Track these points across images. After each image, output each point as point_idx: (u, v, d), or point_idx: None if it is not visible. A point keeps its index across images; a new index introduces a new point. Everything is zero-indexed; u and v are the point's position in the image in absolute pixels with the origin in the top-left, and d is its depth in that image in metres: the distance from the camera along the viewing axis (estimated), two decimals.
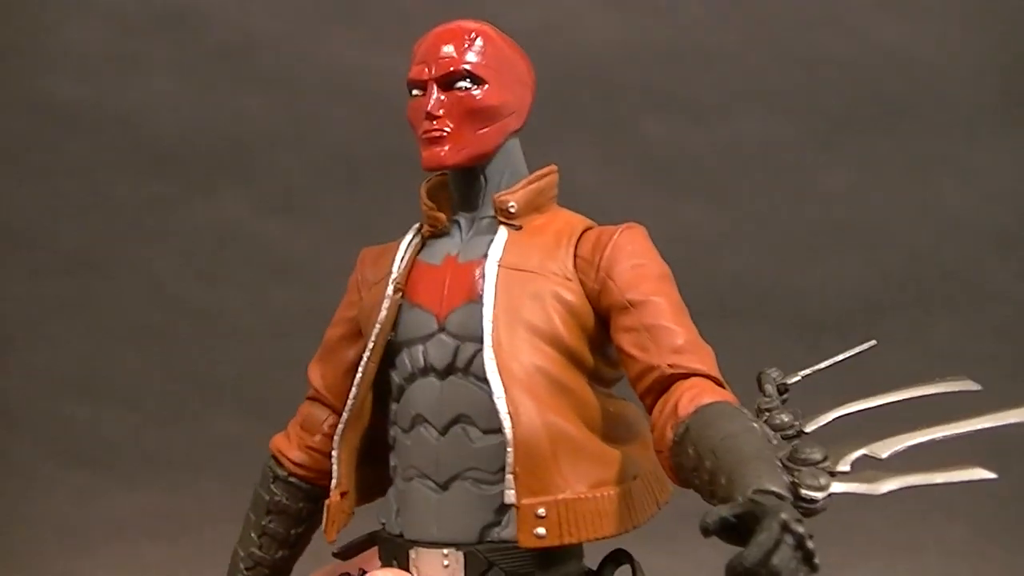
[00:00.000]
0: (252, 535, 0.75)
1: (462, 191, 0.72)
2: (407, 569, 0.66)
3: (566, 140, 2.01)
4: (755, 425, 0.61)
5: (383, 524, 0.70)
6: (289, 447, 0.76)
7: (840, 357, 0.74)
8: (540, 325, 0.66)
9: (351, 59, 2.02)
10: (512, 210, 0.71)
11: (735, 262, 2.02)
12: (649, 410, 0.68)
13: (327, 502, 0.69)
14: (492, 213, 0.71)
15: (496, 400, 0.63)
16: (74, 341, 2.02)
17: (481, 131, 0.71)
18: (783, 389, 0.71)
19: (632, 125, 2.09)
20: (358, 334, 0.74)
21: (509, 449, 0.62)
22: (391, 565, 0.67)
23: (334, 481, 0.69)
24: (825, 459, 0.62)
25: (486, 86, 0.72)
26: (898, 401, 0.71)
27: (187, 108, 2.06)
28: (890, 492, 0.64)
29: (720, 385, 0.67)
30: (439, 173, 0.74)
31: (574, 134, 2.00)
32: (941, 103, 2.11)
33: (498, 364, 0.63)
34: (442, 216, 0.72)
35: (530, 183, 0.73)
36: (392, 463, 0.70)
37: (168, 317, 1.99)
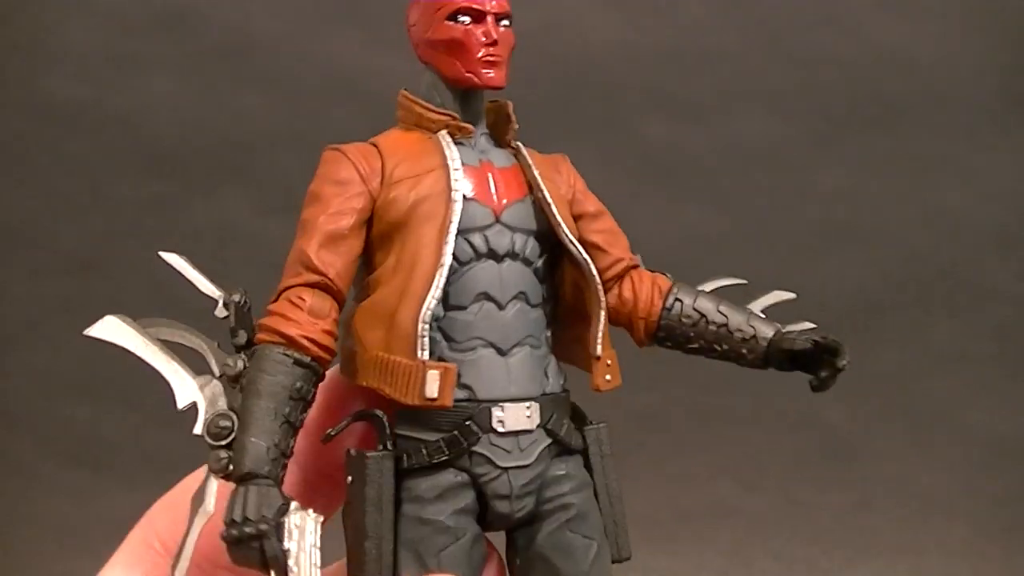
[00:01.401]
0: (271, 423, 0.71)
1: (474, 110, 0.84)
2: (490, 425, 0.74)
3: (566, 140, 2.01)
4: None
5: (431, 400, 0.73)
6: (309, 330, 0.75)
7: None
8: (567, 210, 0.83)
9: (351, 59, 2.02)
10: (516, 130, 0.85)
11: (735, 262, 2.02)
12: (618, 290, 0.86)
13: (442, 370, 0.73)
14: (486, 131, 0.84)
15: (591, 273, 0.79)
16: (74, 341, 2.01)
17: (507, 65, 0.84)
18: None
19: (632, 125, 2.09)
20: (364, 224, 0.79)
21: (601, 312, 0.79)
22: (465, 427, 0.74)
23: (428, 352, 0.74)
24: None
25: (512, 29, 0.85)
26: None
27: (187, 108, 2.06)
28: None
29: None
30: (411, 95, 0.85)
31: (574, 134, 2.00)
32: (941, 103, 2.11)
33: (579, 244, 0.80)
34: (469, 127, 0.82)
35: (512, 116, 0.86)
36: (436, 338, 0.76)
37: (168, 317, 1.99)
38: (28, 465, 2.01)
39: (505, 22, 0.83)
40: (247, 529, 0.67)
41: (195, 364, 0.78)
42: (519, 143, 0.84)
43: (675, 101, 2.09)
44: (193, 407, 0.75)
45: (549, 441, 0.77)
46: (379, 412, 0.76)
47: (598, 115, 2.06)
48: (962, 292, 2.08)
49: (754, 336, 0.84)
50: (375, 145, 0.82)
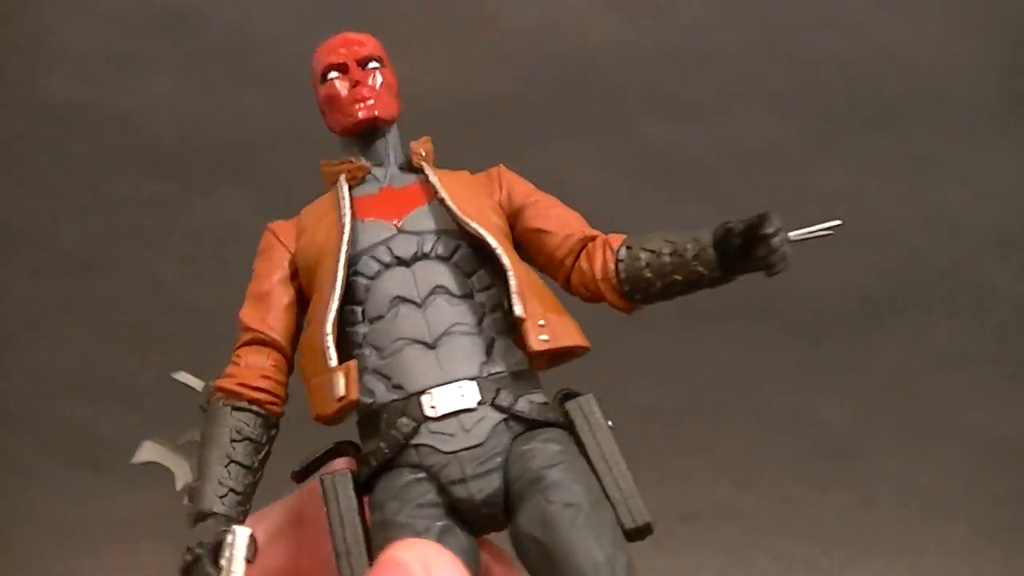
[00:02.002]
0: (218, 468, 0.78)
1: (374, 150, 0.90)
2: (423, 414, 0.74)
3: (566, 140, 2.01)
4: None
5: (369, 403, 0.77)
6: (242, 377, 0.82)
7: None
8: (481, 213, 0.84)
9: None
10: (423, 155, 0.90)
11: None
12: (569, 269, 0.86)
13: (344, 370, 0.76)
14: (401, 164, 0.90)
15: (500, 253, 0.80)
16: (74, 341, 2.02)
17: (391, 99, 0.92)
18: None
19: (632, 125, 2.09)
20: (289, 279, 0.86)
21: (510, 273, 0.79)
22: (398, 423, 0.74)
23: (335, 359, 0.77)
24: None
25: (386, 68, 0.93)
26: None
27: (187, 108, 2.06)
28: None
29: None
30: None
31: (574, 134, 2.00)
32: (941, 103, 2.11)
33: (477, 222, 0.81)
34: (365, 164, 0.89)
35: (426, 143, 0.92)
36: (365, 352, 0.79)
37: (168, 317, 1.99)
38: (28, 465, 2.01)
39: (372, 64, 0.92)
40: (187, 557, 0.73)
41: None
42: (423, 164, 0.89)
43: (675, 101, 2.09)
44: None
45: (502, 417, 0.75)
46: (343, 443, 0.79)
47: (598, 115, 2.06)
48: (962, 292, 2.08)
49: (700, 248, 0.81)
50: (299, 214, 0.91)
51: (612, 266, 0.83)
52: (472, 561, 0.72)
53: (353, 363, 0.76)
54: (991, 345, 2.11)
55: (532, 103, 1.94)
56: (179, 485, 0.83)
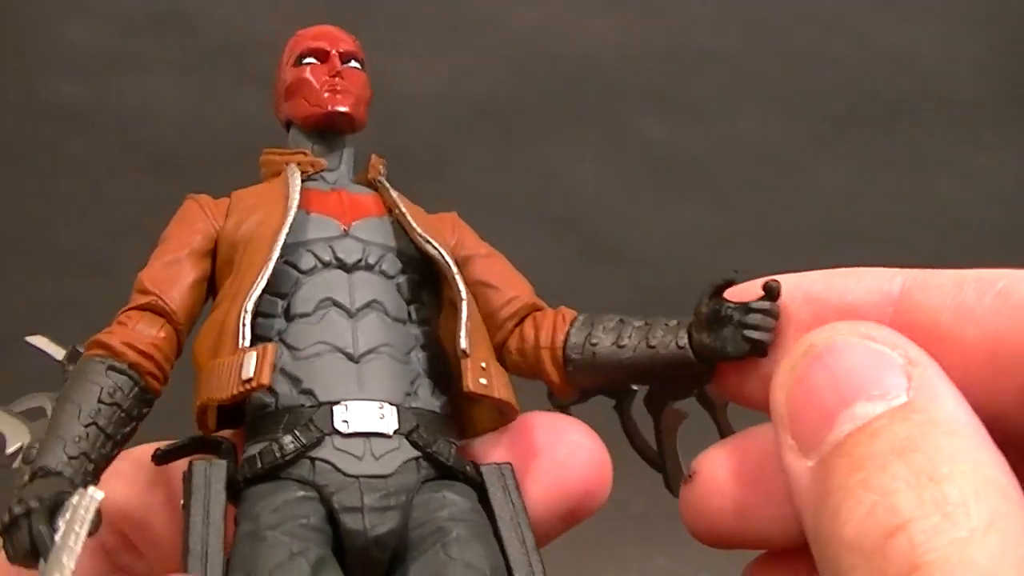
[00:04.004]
0: (75, 424, 0.66)
1: (335, 152, 0.84)
2: (332, 426, 0.65)
3: (566, 140, 2.01)
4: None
5: (270, 403, 0.69)
6: (129, 337, 0.72)
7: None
8: (440, 236, 0.77)
9: None
10: (381, 171, 0.84)
11: (735, 262, 2.02)
12: (508, 333, 0.77)
13: (260, 350, 0.66)
14: (352, 176, 0.84)
15: (456, 277, 0.72)
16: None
17: (364, 104, 0.85)
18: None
19: (632, 125, 2.09)
20: (201, 255, 0.79)
21: (463, 303, 0.71)
22: (303, 428, 0.65)
23: (249, 338, 0.68)
24: None
25: (365, 72, 0.87)
26: None
27: (187, 108, 2.06)
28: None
29: None
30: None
31: (574, 134, 2.00)
32: (941, 103, 2.11)
33: (441, 247, 0.74)
34: (322, 162, 0.83)
35: (379, 164, 0.85)
36: (280, 352, 0.71)
37: None
38: None
39: (354, 63, 0.85)
40: (16, 509, 0.58)
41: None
42: (381, 179, 0.83)
43: (675, 101, 2.09)
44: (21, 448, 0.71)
45: (416, 455, 0.66)
46: (219, 436, 0.68)
47: (598, 115, 2.06)
48: None
49: (671, 333, 0.71)
50: (228, 195, 0.85)
51: (562, 336, 0.74)
52: None
53: (272, 346, 0.67)
54: None
55: (532, 103, 1.94)
56: (11, 448, 0.71)
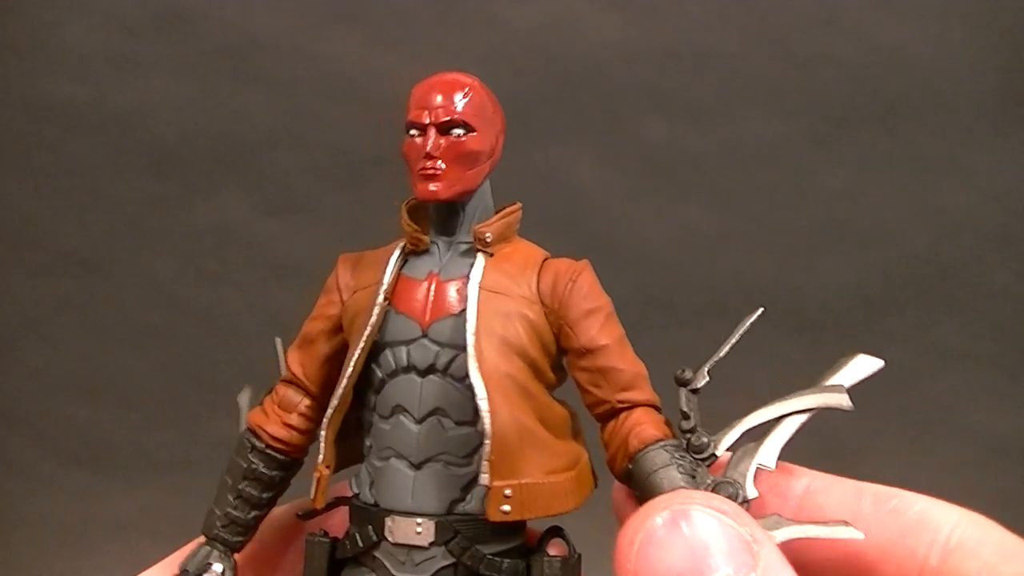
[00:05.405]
0: (228, 497, 0.84)
1: (444, 220, 0.85)
2: (382, 534, 0.78)
3: (566, 140, 2.01)
4: (678, 474, 0.77)
5: (356, 494, 0.82)
6: (267, 422, 0.85)
7: (734, 339, 0.84)
8: (511, 339, 0.79)
9: (351, 59, 2.02)
10: (488, 239, 0.83)
11: (735, 262, 2.02)
12: (601, 429, 0.83)
13: (317, 476, 0.80)
14: (469, 240, 0.84)
15: (479, 401, 0.76)
16: (74, 341, 2.02)
17: (468, 172, 0.83)
18: (695, 392, 0.83)
19: (632, 125, 2.09)
20: (336, 330, 0.86)
21: (487, 441, 0.76)
22: (365, 529, 0.79)
23: (321, 457, 0.80)
24: (736, 490, 0.77)
25: (474, 134, 0.83)
26: (795, 412, 0.82)
27: (187, 108, 2.06)
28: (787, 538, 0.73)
29: (656, 408, 0.83)
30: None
31: (574, 134, 2.00)
32: (941, 103, 2.11)
33: (480, 371, 0.77)
34: (425, 239, 0.84)
35: (501, 218, 0.85)
36: (367, 443, 0.83)
37: (168, 317, 1.99)
38: (28, 465, 2.01)
39: (458, 131, 0.82)
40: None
41: None
42: (481, 252, 0.83)
43: (675, 101, 2.09)
44: None
45: (452, 561, 0.77)
46: (353, 499, 0.82)
47: (598, 115, 2.06)
48: (962, 292, 2.08)
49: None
50: (363, 255, 0.88)
51: (621, 469, 0.80)
52: None
53: (325, 473, 0.80)
54: (991, 345, 2.11)
55: (532, 103, 1.94)
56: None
